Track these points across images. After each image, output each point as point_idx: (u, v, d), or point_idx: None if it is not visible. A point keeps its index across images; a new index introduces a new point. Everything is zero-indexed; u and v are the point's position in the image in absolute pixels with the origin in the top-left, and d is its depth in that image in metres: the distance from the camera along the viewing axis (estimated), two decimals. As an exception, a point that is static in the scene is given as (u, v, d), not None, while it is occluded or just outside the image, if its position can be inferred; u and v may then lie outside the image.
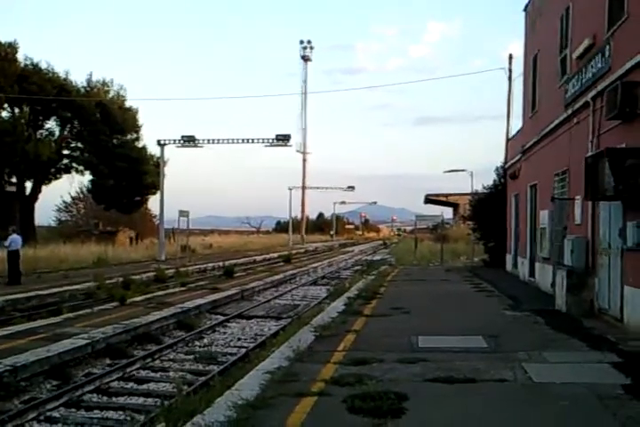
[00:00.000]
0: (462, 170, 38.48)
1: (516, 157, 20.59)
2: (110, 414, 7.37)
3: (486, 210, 25.23)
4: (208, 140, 35.10)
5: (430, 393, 5.88)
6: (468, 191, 34.21)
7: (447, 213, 59.80)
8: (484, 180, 53.17)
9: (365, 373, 6.58)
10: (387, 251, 55.89)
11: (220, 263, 29.06)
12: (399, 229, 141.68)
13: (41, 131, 41.80)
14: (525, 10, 20.02)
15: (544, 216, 15.46)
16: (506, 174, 23.53)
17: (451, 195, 58.22)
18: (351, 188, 78.25)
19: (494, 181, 25.93)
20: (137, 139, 44.62)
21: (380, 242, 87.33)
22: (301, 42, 76.45)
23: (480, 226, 26.55)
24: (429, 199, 62.99)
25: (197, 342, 11.87)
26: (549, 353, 7.67)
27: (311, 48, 76.61)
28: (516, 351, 7.72)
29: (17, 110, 39.15)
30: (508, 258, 22.39)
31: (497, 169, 25.74)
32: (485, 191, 26.84)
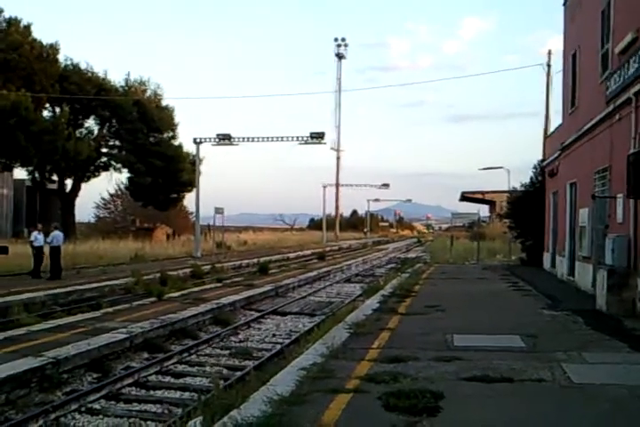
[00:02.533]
0: (499, 167, 38.10)
1: (555, 155, 20.20)
2: (149, 406, 7.51)
3: (524, 208, 24.84)
4: (243, 138, 35.35)
5: (466, 392, 5.82)
6: (505, 189, 33.75)
7: (483, 210, 59.03)
8: (520, 177, 52.44)
9: (400, 371, 6.55)
10: (421, 249, 55.50)
11: (255, 260, 29.27)
12: (429, 226, 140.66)
13: (80, 129, 42.75)
14: (565, 4, 19.60)
15: (584, 214, 15.14)
16: (544, 172, 23.11)
17: (487, 192, 57.42)
18: (385, 185, 77.83)
19: (531, 178, 25.51)
20: (173, 137, 45.30)
21: (415, 240, 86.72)
22: (335, 40, 76.30)
23: (517, 224, 26.16)
24: (465, 197, 62.24)
25: (233, 338, 12.00)
26: (589, 354, 7.51)
27: (345, 46, 76.40)
28: (555, 351, 7.58)
29: (57, 109, 40.14)
30: (546, 256, 22.01)
31: (535, 166, 25.33)
32: (523, 189, 26.43)
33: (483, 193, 59.19)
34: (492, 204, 59.61)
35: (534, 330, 9.13)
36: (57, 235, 19.72)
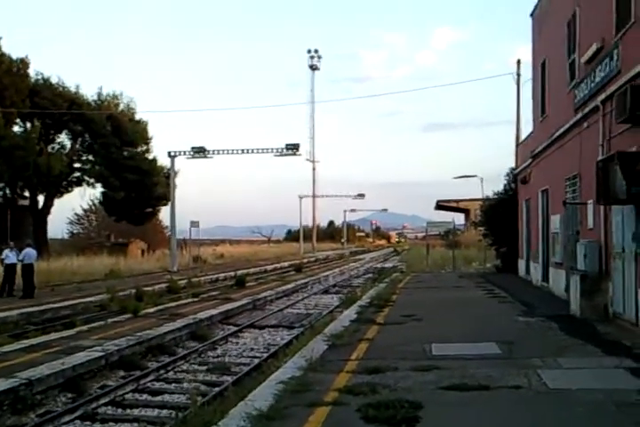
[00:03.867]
0: (473, 176, 38.47)
1: (527, 162, 20.53)
2: (125, 426, 7.38)
3: (497, 215, 25.15)
4: (218, 150, 35.28)
5: (445, 401, 5.85)
6: (479, 197, 34.15)
7: (458, 219, 59.56)
8: (494, 185, 53.03)
9: (379, 381, 6.56)
10: (398, 258, 55.73)
11: (232, 273, 29.08)
12: (400, 235, 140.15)
13: (52, 144, 42.18)
14: (532, 15, 20.03)
15: (556, 221, 15.38)
16: (516, 179, 23.45)
17: (461, 201, 58.02)
18: (361, 195, 78.20)
19: (505, 186, 25.86)
20: (147, 151, 44.93)
21: (392, 249, 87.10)
22: (309, 51, 76.79)
23: (491, 232, 26.45)
24: (440, 205, 62.80)
25: (210, 353, 11.89)
26: (564, 359, 7.60)
27: (319, 57, 76.89)
28: (531, 358, 7.66)
29: (29, 125, 39.58)
30: (521, 263, 22.27)
31: (507, 174, 25.68)
32: (496, 197, 26.76)
33: (457, 201, 59.79)
34: (466, 212, 60.21)
35: (510, 337, 9.22)
36: (29, 252, 19.41)
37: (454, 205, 60.45)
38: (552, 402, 5.74)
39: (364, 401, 5.75)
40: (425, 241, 45.76)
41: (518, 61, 25.95)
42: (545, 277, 17.27)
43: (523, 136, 23.77)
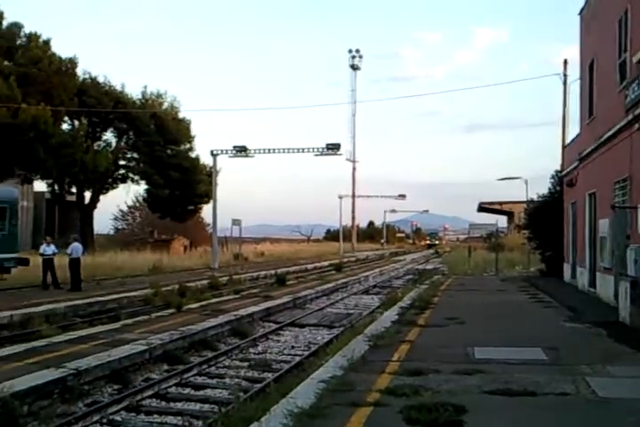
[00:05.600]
0: (517, 177, 37.78)
1: (573, 165, 20.05)
2: (169, 419, 7.51)
3: (542, 218, 24.64)
4: (259, 149, 35.58)
5: (489, 406, 5.76)
6: (523, 199, 33.54)
7: (501, 221, 58.61)
8: (539, 187, 51.99)
9: (421, 384, 6.51)
10: (439, 260, 55.18)
11: (272, 271, 29.28)
12: (433, 236, 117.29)
13: (99, 142, 43.29)
14: (580, 14, 19.55)
15: (604, 225, 14.98)
16: (562, 182, 22.94)
17: (505, 203, 57.10)
18: (402, 196, 77.82)
19: (550, 188, 25.33)
20: (190, 149, 45.69)
21: (432, 251, 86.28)
22: (350, 51, 76.84)
23: (536, 235, 25.95)
24: (483, 207, 61.97)
25: (252, 350, 11.99)
26: (614, 367, 7.40)
27: (360, 57, 76.85)
28: (578, 364, 7.49)
29: (76, 123, 40.68)
30: (566, 268, 21.77)
31: (553, 177, 25.15)
32: (541, 199, 26.23)
33: (500, 204, 58.87)
34: (509, 214, 59.22)
35: (557, 342, 9.03)
36: (76, 247, 19.91)
37: (497, 207, 59.54)
38: (601, 411, 5.60)
39: (407, 403, 5.72)
40: (467, 243, 45.20)
41: (565, 61, 25.34)
42: (592, 282, 16.84)
43: (569, 138, 23.23)
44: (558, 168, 24.56)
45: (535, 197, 27.58)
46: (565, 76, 25.01)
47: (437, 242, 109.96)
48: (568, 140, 23.18)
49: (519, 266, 30.68)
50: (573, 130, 21.64)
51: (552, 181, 25.15)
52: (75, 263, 19.64)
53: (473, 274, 28.33)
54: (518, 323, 11.54)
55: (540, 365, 7.60)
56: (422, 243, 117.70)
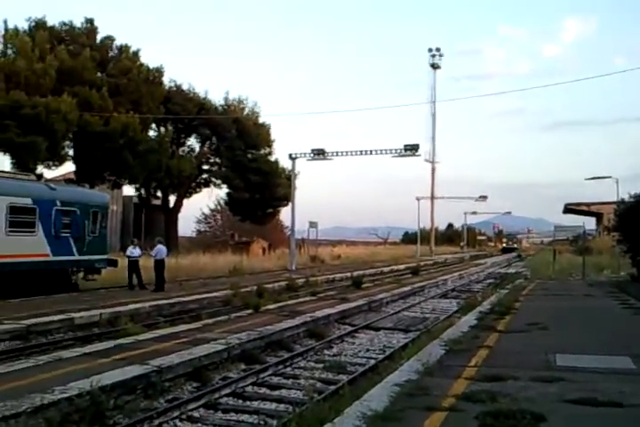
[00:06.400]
0: (607, 177, 35.92)
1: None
2: (245, 417, 7.66)
3: (634, 220, 23.34)
4: (337, 152, 35.73)
5: (570, 415, 5.52)
6: (614, 200, 31.86)
7: (589, 223, 56.04)
8: (631, 187, 49.37)
9: (499, 390, 6.32)
10: (522, 264, 53.43)
11: (348, 274, 29.31)
12: (511, 239, 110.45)
13: (183, 148, 44.95)
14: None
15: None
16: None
17: (593, 204, 54.52)
18: (483, 197, 75.75)
19: (642, 188, 23.97)
20: (269, 153, 46.59)
21: (515, 254, 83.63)
22: (430, 50, 76.04)
23: (627, 237, 24.59)
24: (569, 209, 59.43)
25: (327, 351, 12.04)
26: None
27: (440, 56, 75.90)
28: (671, 375, 7.04)
29: (162, 129, 42.42)
30: (660, 273, 20.52)
31: (646, 176, 23.81)
32: (632, 200, 24.86)
33: (588, 205, 56.25)
34: (598, 216, 56.47)
35: (647, 351, 8.52)
36: (160, 249, 20.72)
37: (585, 208, 56.91)
38: (695, 425, 5.24)
39: (483, 409, 5.57)
40: (551, 246, 43.54)
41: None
42: (688, 288, 15.78)
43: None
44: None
45: (626, 198, 26.20)
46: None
47: (516, 246, 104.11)
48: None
49: (608, 270, 29.23)
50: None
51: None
52: (159, 265, 20.44)
53: (557, 278, 27.23)
54: (605, 330, 10.99)
55: (628, 374, 7.19)
56: (498, 246, 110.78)
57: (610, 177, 35.50)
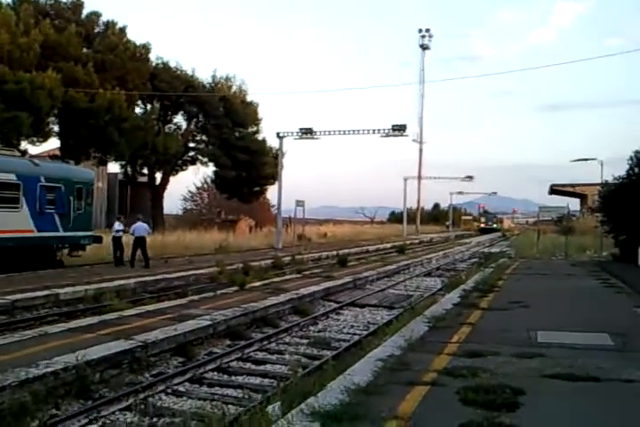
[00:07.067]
0: (592, 159, 36.11)
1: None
2: (230, 391, 7.74)
3: (618, 201, 23.59)
4: (325, 131, 35.57)
5: (548, 390, 5.64)
6: (598, 182, 32.12)
7: (573, 204, 56.50)
8: (615, 169, 49.76)
9: (479, 365, 6.43)
10: (506, 243, 53.95)
11: (334, 252, 29.44)
12: (489, 217, 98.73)
13: (169, 125, 44.43)
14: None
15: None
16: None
17: (578, 185, 54.93)
18: (469, 177, 76.15)
19: (628, 170, 24.17)
20: (257, 131, 46.24)
21: (500, 234, 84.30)
22: (420, 31, 75.65)
23: (610, 218, 24.89)
24: (554, 190, 59.89)
25: (312, 328, 12.15)
26: (686, 355, 7.07)
27: (430, 36, 75.47)
28: (647, 351, 7.20)
29: (148, 106, 41.87)
30: (642, 252, 20.83)
31: (631, 158, 23.96)
32: (617, 181, 25.09)
33: (573, 186, 56.66)
34: (582, 197, 57.01)
35: (626, 329, 8.70)
36: (138, 226, 20.47)
37: (570, 189, 57.33)
38: (669, 399, 5.38)
39: (463, 384, 5.67)
40: (535, 226, 43.95)
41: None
42: (668, 268, 16.06)
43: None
44: (638, 148, 23.40)
45: (611, 180, 26.43)
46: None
47: (496, 225, 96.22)
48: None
49: (590, 250, 29.61)
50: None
51: (630, 162, 23.99)
52: (138, 242, 20.25)
53: (541, 258, 27.56)
54: (586, 308, 11.18)
55: (606, 351, 7.35)
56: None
57: (595, 159, 35.72)
